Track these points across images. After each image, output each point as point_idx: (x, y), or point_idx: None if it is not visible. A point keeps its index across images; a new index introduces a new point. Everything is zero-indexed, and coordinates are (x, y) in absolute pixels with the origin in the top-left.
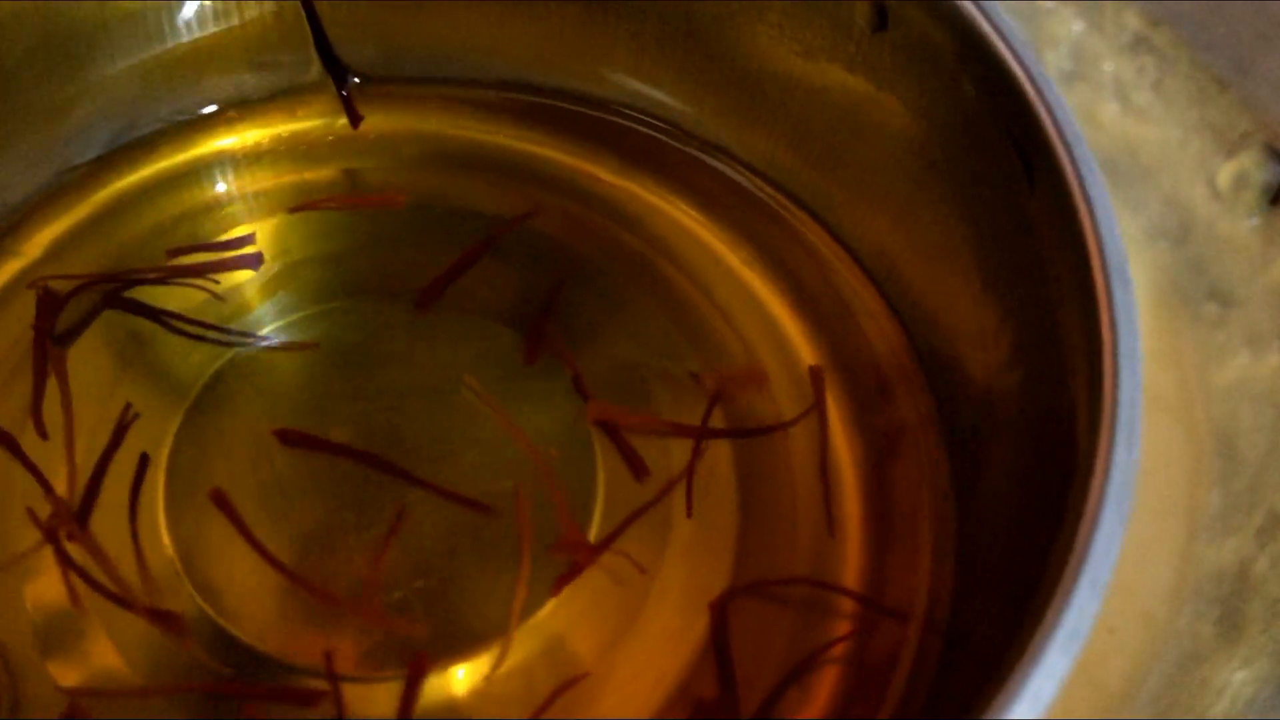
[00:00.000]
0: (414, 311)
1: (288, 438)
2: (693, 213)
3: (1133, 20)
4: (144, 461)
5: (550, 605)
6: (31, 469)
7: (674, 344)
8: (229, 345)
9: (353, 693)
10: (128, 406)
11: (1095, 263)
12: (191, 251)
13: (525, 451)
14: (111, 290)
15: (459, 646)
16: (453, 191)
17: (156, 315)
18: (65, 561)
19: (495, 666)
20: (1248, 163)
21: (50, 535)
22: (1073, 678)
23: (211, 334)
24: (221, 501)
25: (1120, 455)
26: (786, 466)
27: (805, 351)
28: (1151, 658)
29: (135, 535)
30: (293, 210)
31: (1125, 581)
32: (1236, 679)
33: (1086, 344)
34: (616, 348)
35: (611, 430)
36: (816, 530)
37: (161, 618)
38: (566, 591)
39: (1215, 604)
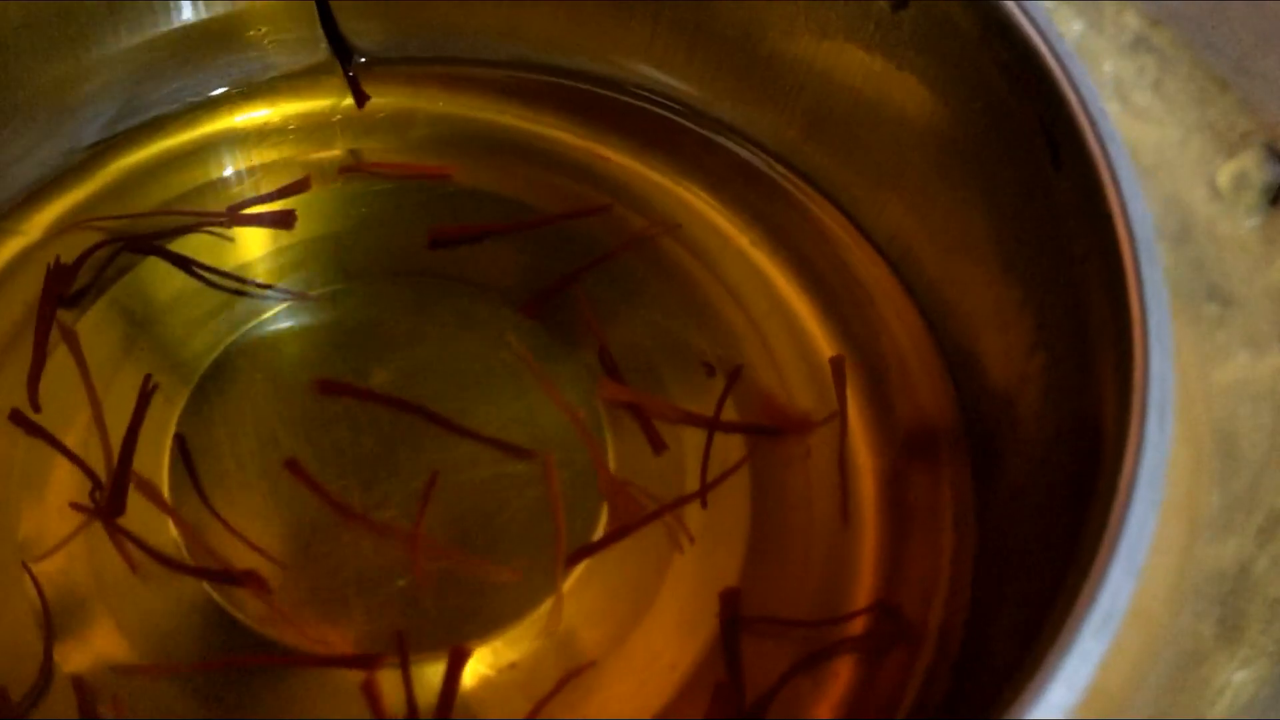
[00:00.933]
0: (421, 291)
1: (328, 387)
2: (706, 196)
3: (1133, 20)
4: (181, 443)
5: (564, 590)
6: (71, 456)
7: (687, 330)
8: (247, 295)
9: (385, 676)
10: (148, 378)
11: (1123, 239)
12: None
13: (550, 420)
14: (135, 240)
15: (503, 614)
16: (460, 173)
17: (184, 263)
18: (120, 534)
19: (549, 628)
20: (1248, 163)
21: (100, 512)
22: None
23: (230, 283)
24: (296, 468)
25: (1153, 432)
26: (802, 456)
27: (820, 338)
28: (1151, 658)
29: (172, 509)
30: (343, 171)
31: None
32: (1236, 679)
33: (1114, 322)
34: (629, 333)
35: (626, 407)
36: (832, 521)
37: (246, 578)
38: (580, 579)
39: (1215, 604)
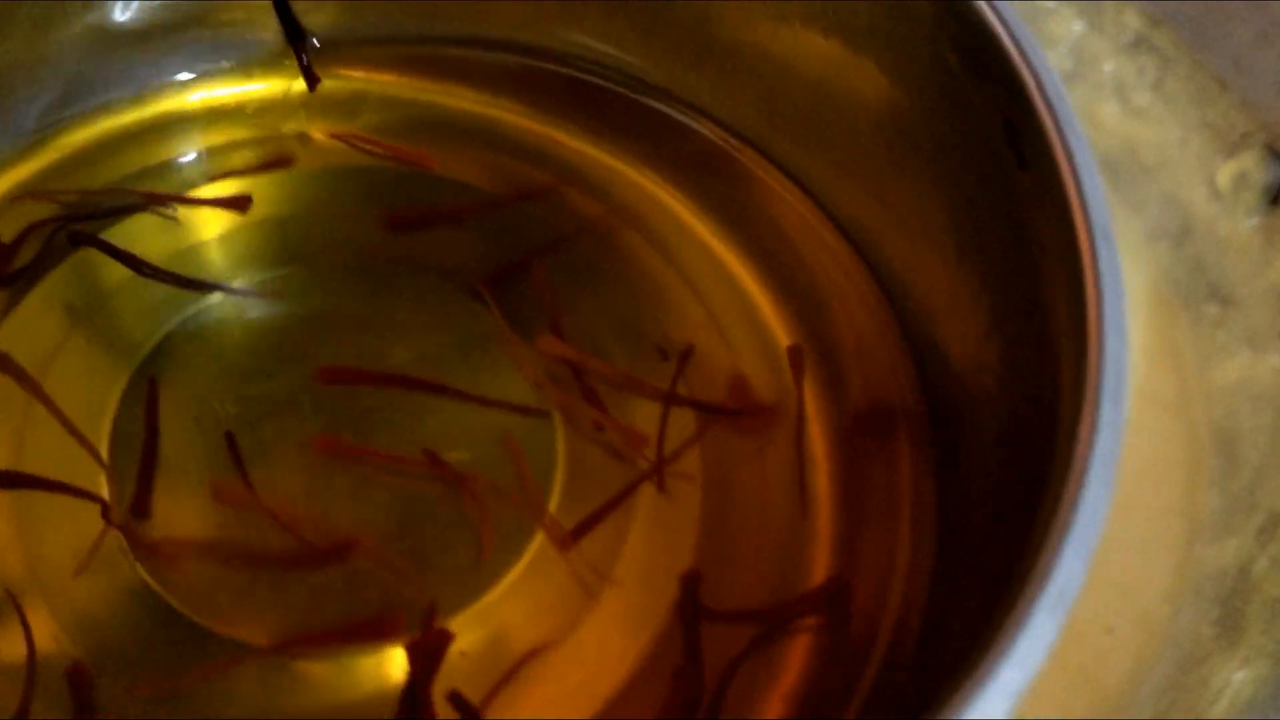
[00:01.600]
0: (375, 276)
1: (331, 375)
2: (667, 180)
3: (1133, 20)
4: (231, 442)
5: (514, 576)
6: (95, 453)
7: (642, 316)
8: (196, 290)
9: (345, 665)
10: (153, 382)
11: (1079, 222)
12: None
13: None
14: (79, 220)
15: (454, 600)
16: (415, 157)
17: (126, 257)
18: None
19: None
20: (1248, 163)
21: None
22: (1072, 678)
23: (175, 280)
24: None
25: (1107, 413)
26: (758, 442)
27: (779, 324)
28: (1151, 658)
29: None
30: (333, 136)
31: (1125, 582)
32: (1236, 679)
33: (1069, 304)
34: (584, 319)
35: (565, 364)
36: (788, 508)
37: (336, 550)
38: (530, 566)
39: (1215, 604)
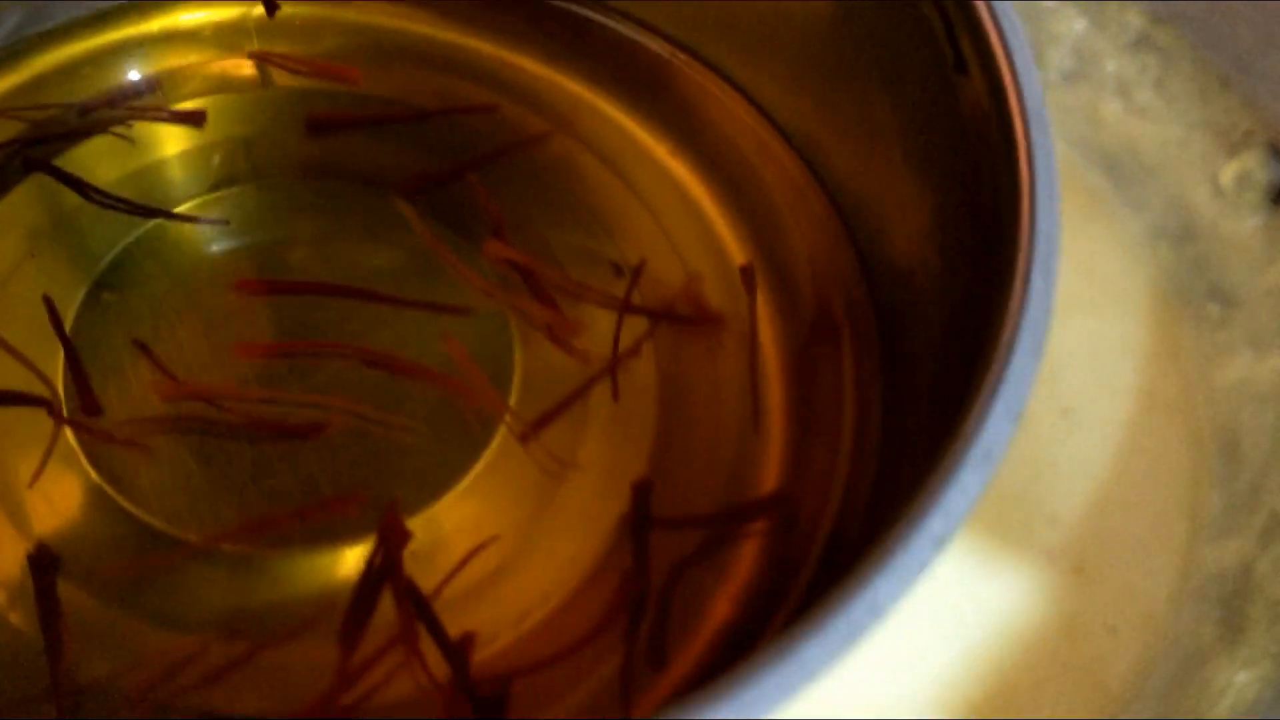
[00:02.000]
0: (326, 193)
1: (247, 286)
2: (617, 96)
3: (1135, 19)
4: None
5: (467, 481)
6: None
7: (590, 230)
8: (144, 217)
9: (302, 559)
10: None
11: (1013, 105)
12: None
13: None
14: (37, 144)
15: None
16: (369, 81)
17: (74, 182)
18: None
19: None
20: (1250, 162)
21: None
22: (1074, 678)
23: (123, 207)
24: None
25: (1038, 283)
26: (711, 352)
27: (730, 239)
28: (1153, 659)
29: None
30: (252, 55)
31: (1127, 582)
32: (1238, 680)
33: (1005, 191)
34: (532, 234)
35: (514, 269)
36: (739, 417)
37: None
38: (488, 467)
39: (1217, 605)
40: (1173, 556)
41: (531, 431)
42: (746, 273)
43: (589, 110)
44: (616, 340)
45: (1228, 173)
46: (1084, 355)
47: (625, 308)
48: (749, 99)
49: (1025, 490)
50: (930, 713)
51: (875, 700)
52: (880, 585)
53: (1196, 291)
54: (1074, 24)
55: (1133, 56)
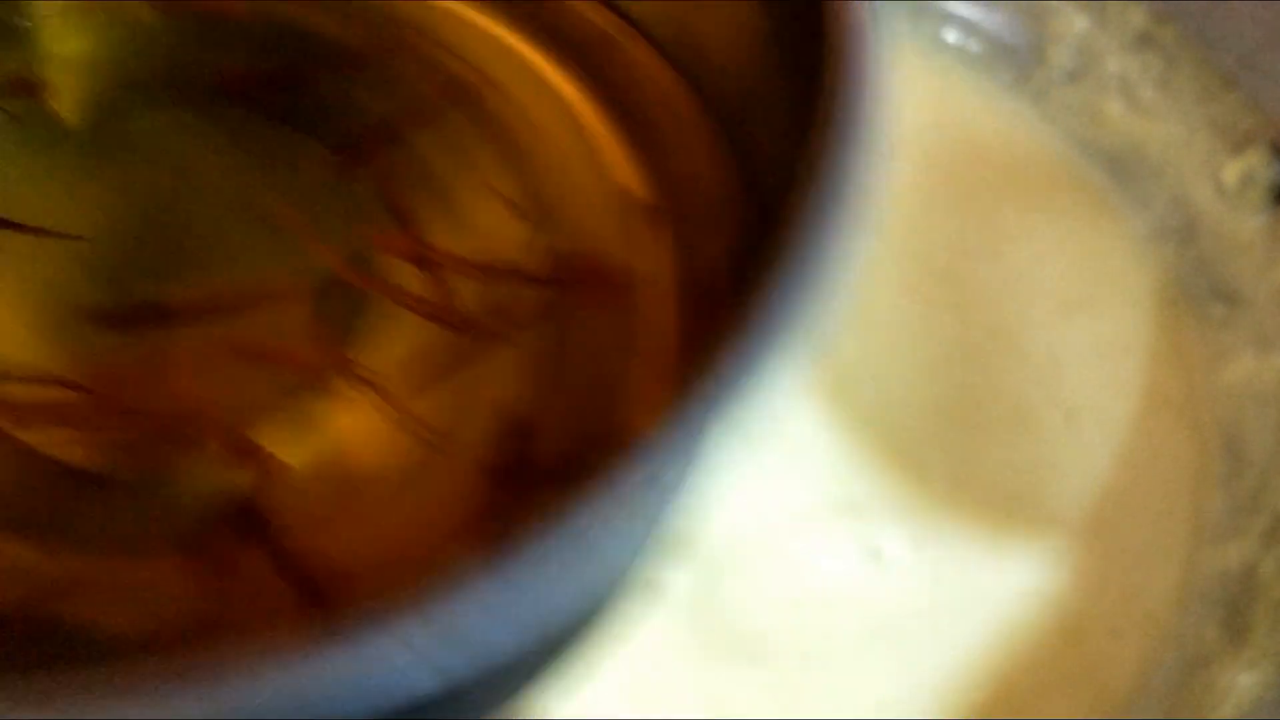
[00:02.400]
0: (208, 115)
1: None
2: (513, 30)
3: (1138, 17)
4: None
5: (332, 434)
6: None
7: (491, 169)
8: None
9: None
10: None
11: None
12: None
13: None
14: None
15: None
16: (275, 11)
17: None
18: None
19: None
20: (1254, 161)
21: None
22: (1077, 680)
23: None
24: None
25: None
26: (603, 307)
27: (628, 174)
28: (1156, 660)
29: None
30: None
31: (1129, 584)
32: (1241, 682)
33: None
34: (427, 168)
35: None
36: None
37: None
38: (353, 425)
39: (1220, 606)
40: (1176, 558)
41: (401, 403)
42: (650, 212)
43: (482, 40)
44: (498, 311)
45: (1231, 172)
46: (1086, 355)
47: (518, 276)
48: (624, 17)
49: (1026, 490)
50: (930, 713)
51: (875, 700)
52: None
53: (1200, 291)
54: (1075, 23)
55: (1135, 55)
